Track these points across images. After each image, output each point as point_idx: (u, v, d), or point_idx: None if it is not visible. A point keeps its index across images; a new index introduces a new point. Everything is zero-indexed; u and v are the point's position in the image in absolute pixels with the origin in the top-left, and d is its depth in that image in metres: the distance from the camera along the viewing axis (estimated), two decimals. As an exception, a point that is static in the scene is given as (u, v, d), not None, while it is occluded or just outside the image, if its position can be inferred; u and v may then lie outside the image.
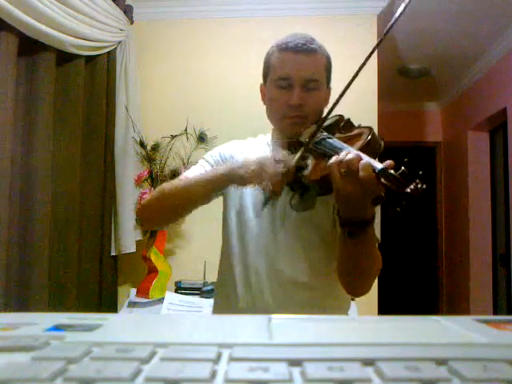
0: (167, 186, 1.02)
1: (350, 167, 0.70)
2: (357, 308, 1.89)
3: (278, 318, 0.35)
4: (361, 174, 0.69)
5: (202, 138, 2.27)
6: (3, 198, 1.46)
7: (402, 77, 3.50)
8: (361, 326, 0.35)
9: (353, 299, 1.88)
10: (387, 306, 2.61)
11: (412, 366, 0.24)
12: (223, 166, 0.94)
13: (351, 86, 0.81)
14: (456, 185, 3.87)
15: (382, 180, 0.67)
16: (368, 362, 0.25)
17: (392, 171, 0.67)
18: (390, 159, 0.70)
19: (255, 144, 1.11)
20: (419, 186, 0.64)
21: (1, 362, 0.25)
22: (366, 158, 0.71)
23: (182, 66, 2.46)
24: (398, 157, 0.69)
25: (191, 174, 1.06)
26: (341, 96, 0.84)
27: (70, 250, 1.82)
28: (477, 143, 3.57)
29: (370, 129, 0.83)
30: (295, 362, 0.25)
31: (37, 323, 0.34)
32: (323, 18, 2.40)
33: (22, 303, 1.56)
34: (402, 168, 0.66)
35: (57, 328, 0.32)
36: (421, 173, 0.66)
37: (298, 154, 0.84)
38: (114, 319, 0.37)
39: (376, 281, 2.28)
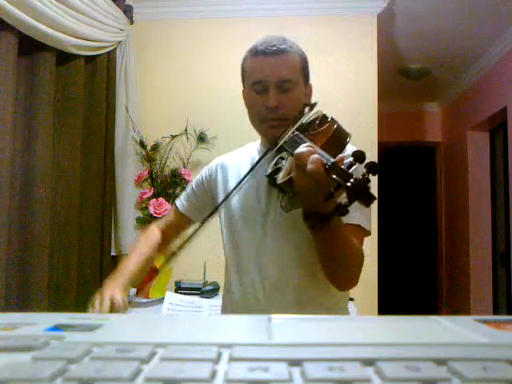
0: (143, 237, 1.20)
1: (300, 161, 0.70)
2: (357, 308, 1.89)
3: (277, 318, 0.35)
4: (309, 166, 0.68)
5: (201, 138, 2.27)
6: (3, 197, 1.46)
7: (403, 77, 3.50)
8: (361, 325, 0.35)
9: (351, 299, 1.88)
10: (387, 306, 2.61)
11: (412, 365, 0.24)
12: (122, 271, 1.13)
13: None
14: (456, 185, 3.87)
15: (332, 174, 0.65)
16: (368, 362, 0.25)
17: (342, 165, 0.65)
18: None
19: (243, 152, 1.13)
20: (359, 178, 0.61)
21: (1, 361, 0.25)
22: (318, 152, 0.70)
23: (182, 66, 2.46)
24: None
25: (180, 204, 1.19)
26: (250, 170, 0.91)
27: (70, 250, 1.82)
28: (477, 143, 3.57)
29: (334, 122, 0.82)
30: (295, 362, 0.25)
31: (37, 323, 0.34)
32: (323, 18, 2.40)
33: (22, 303, 1.56)
34: (350, 159, 0.64)
35: (57, 328, 0.32)
36: (368, 162, 0.63)
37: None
38: (114, 319, 0.37)
39: (376, 280, 2.30)
